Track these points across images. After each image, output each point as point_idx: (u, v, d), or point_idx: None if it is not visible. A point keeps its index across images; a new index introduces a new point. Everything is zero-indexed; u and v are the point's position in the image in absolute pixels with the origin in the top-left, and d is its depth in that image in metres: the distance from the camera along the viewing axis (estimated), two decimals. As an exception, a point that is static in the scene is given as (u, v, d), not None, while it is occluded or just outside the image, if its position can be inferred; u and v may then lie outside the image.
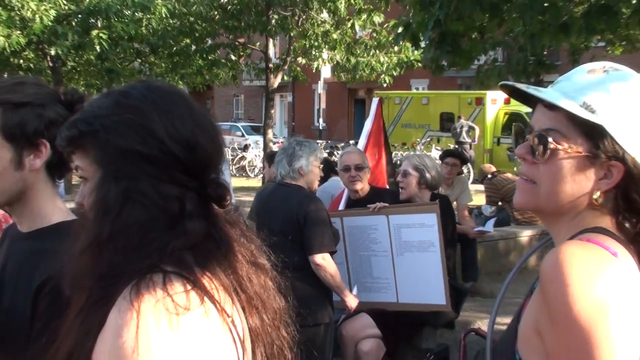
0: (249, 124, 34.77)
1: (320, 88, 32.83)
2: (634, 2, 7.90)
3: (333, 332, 4.82)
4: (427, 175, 5.66)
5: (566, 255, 1.30)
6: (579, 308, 1.25)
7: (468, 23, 8.18)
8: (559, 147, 1.39)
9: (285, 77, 21.24)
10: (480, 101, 23.33)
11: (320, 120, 35.30)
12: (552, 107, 1.41)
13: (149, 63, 19.28)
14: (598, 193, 1.40)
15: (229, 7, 18.12)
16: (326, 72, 25.16)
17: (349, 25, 17.68)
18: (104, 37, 15.18)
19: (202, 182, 1.38)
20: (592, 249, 1.33)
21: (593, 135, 1.38)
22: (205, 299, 1.25)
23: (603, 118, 1.37)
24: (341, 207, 5.74)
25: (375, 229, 5.31)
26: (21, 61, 17.14)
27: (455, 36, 8.37)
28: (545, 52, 10.75)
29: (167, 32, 17.44)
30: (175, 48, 18.43)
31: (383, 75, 18.63)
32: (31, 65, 17.70)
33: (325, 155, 12.23)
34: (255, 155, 23.57)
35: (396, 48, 17.74)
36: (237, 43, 19.46)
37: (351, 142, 24.70)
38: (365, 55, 18.35)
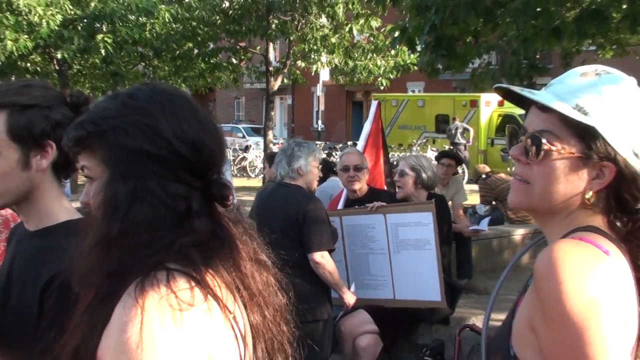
0: (249, 125, 34.77)
1: (319, 91, 32.92)
2: (624, 7, 7.90)
3: (332, 328, 4.81)
4: (424, 175, 5.66)
5: (559, 253, 1.30)
6: (572, 305, 1.25)
7: (463, 27, 8.17)
8: (553, 148, 1.39)
9: (285, 80, 21.24)
10: (474, 103, 23.33)
11: (319, 122, 35.37)
12: (545, 109, 1.41)
13: (152, 66, 19.28)
14: (590, 193, 1.40)
15: (231, 12, 18.13)
16: (325, 75, 25.25)
17: (347, 29, 17.68)
18: (109, 41, 15.18)
19: (206, 182, 1.38)
20: (585, 247, 1.33)
21: (585, 136, 1.38)
22: (208, 295, 1.25)
23: (595, 120, 1.37)
24: (340, 206, 5.74)
25: (373, 228, 5.31)
26: (28, 64, 17.14)
27: (450, 40, 8.37)
28: (537, 56, 10.74)
29: (170, 36, 17.44)
30: (178, 52, 18.45)
31: (380, 78, 18.63)
32: (38, 68, 17.70)
33: (324, 156, 12.21)
34: (255, 156, 23.58)
35: (393, 52, 17.74)
36: (238, 47, 19.47)
37: (349, 143, 24.72)
38: (363, 58, 18.36)
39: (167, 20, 16.39)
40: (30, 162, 1.81)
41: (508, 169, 16.88)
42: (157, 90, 1.40)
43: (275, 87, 19.40)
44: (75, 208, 1.94)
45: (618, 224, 1.42)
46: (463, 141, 21.71)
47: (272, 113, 20.54)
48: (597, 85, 1.40)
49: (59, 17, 14.66)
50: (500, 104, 22.62)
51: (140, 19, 16.46)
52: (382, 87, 19.00)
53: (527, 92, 1.44)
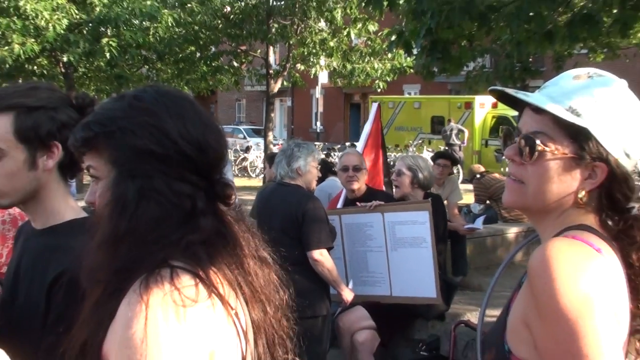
0: (250, 127, 34.76)
1: (317, 93, 32.89)
2: (614, 11, 7.91)
3: (330, 323, 4.81)
4: (420, 175, 5.66)
5: (553, 251, 1.30)
6: (565, 301, 1.25)
7: (458, 31, 8.17)
8: (546, 148, 1.39)
9: (285, 83, 21.25)
10: (469, 105, 23.35)
11: (318, 123, 35.35)
12: (539, 110, 1.41)
13: (156, 69, 19.28)
14: (583, 192, 1.40)
15: (232, 16, 18.14)
16: (323, 77, 25.21)
17: (345, 33, 17.69)
18: (114, 44, 15.18)
19: (210, 182, 1.38)
20: (577, 245, 1.33)
21: (578, 137, 1.38)
22: (211, 292, 1.25)
23: (588, 121, 1.37)
24: (339, 205, 5.73)
25: (371, 226, 5.31)
26: (35, 67, 17.13)
27: (445, 44, 8.37)
28: (530, 59, 10.77)
29: (173, 40, 17.44)
30: (180, 55, 18.45)
31: (377, 80, 18.65)
32: (44, 71, 17.69)
33: (323, 156, 12.22)
34: (256, 156, 23.58)
35: (390, 55, 17.77)
36: (239, 50, 19.47)
37: (347, 144, 24.75)
38: (361, 62, 18.37)
39: (170, 24, 16.39)
40: (37, 162, 1.81)
41: (502, 169, 16.88)
42: (161, 92, 1.40)
43: (275, 90, 19.40)
44: (80, 207, 1.94)
45: (610, 222, 1.42)
46: (458, 142, 21.71)
47: (272, 115, 20.51)
48: (589, 88, 1.40)
49: (65, 22, 14.67)
50: (494, 106, 22.64)
51: (144, 23, 16.46)
52: (379, 90, 19.02)
53: (521, 95, 1.44)
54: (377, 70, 18.24)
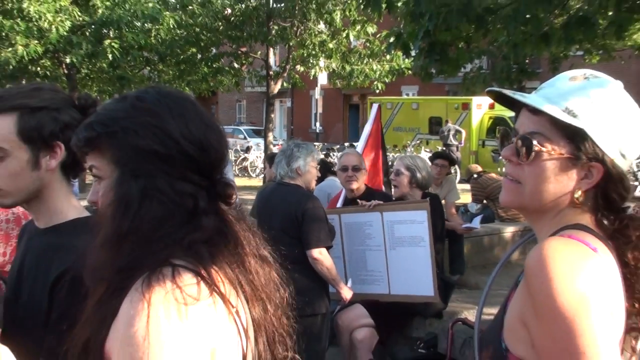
0: (250, 127, 34.76)
1: (317, 94, 32.86)
2: (610, 14, 7.91)
3: (329, 321, 4.81)
4: (418, 175, 5.66)
5: (549, 250, 1.29)
6: (562, 300, 1.25)
7: (455, 33, 8.17)
8: (543, 149, 1.39)
9: (285, 84, 21.24)
10: (466, 106, 23.33)
11: (317, 124, 35.32)
12: (536, 111, 1.41)
13: (157, 70, 19.28)
14: (579, 192, 1.40)
15: (232, 18, 18.15)
16: (323, 79, 25.23)
17: (344, 35, 17.71)
18: (116, 46, 15.17)
19: (211, 181, 1.38)
20: (574, 244, 1.32)
21: (575, 138, 1.38)
22: (213, 290, 1.25)
23: (584, 122, 1.37)
24: (339, 205, 5.73)
25: (370, 225, 5.30)
26: (38, 69, 17.11)
27: (443, 45, 8.37)
28: (527, 61, 10.74)
29: (174, 41, 17.45)
30: (182, 56, 18.47)
31: (376, 82, 18.67)
32: (48, 72, 17.67)
33: (322, 156, 12.21)
34: (256, 156, 23.58)
35: (388, 57, 17.77)
36: (239, 52, 19.48)
37: (346, 144, 24.74)
38: (359, 63, 18.37)
39: (171, 26, 16.40)
40: (40, 162, 1.81)
41: (498, 169, 16.89)
42: (163, 93, 1.40)
43: (275, 91, 19.41)
44: (83, 206, 1.94)
45: (605, 222, 1.42)
46: (455, 142, 21.70)
47: (272, 115, 20.52)
48: (585, 89, 1.40)
49: (67, 23, 14.67)
50: (491, 106, 22.64)
51: (145, 25, 16.47)
52: (377, 91, 19.03)
53: (518, 96, 1.44)
54: (375, 72, 18.25)
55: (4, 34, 14.59)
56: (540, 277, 1.27)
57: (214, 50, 19.35)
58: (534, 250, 1.32)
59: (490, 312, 1.61)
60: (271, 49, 19.65)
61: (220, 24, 18.10)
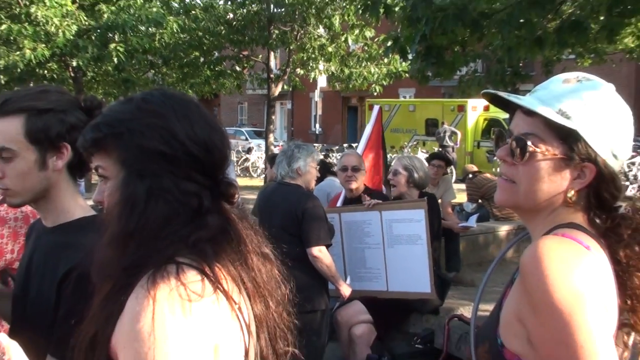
0: (252, 129, 34.74)
1: (316, 96, 32.88)
2: (601, 18, 7.92)
3: (329, 317, 4.81)
4: (415, 175, 5.66)
5: (544, 249, 1.30)
6: (558, 297, 1.25)
7: (451, 37, 8.18)
8: (537, 150, 1.39)
9: (285, 87, 21.24)
10: (462, 108, 23.33)
11: (317, 125, 35.35)
12: (530, 113, 1.41)
13: (161, 73, 19.27)
14: (572, 192, 1.40)
15: (234, 22, 18.16)
16: (322, 81, 25.17)
17: (343, 39, 17.72)
18: (121, 50, 15.16)
19: (215, 181, 1.38)
20: (568, 243, 1.32)
21: (568, 139, 1.38)
22: (216, 287, 1.25)
23: (577, 123, 1.37)
24: (339, 204, 5.74)
25: (369, 224, 5.30)
26: (45, 72, 17.10)
27: (439, 49, 8.38)
28: (521, 64, 10.76)
29: (178, 45, 17.45)
30: (185, 60, 18.46)
31: (374, 84, 18.67)
32: (54, 75, 17.66)
33: (322, 157, 12.22)
34: (257, 157, 23.59)
35: (386, 60, 17.78)
36: (241, 55, 19.47)
37: (345, 145, 24.73)
38: (358, 66, 18.39)
39: (175, 30, 16.38)
40: (47, 162, 1.81)
41: (493, 169, 16.88)
42: (168, 95, 1.40)
43: (276, 93, 19.41)
44: (89, 205, 1.94)
45: (598, 220, 1.42)
46: (451, 144, 21.69)
47: (273, 117, 20.51)
48: (578, 91, 1.40)
49: (74, 28, 14.66)
50: (486, 108, 22.63)
51: (150, 29, 16.45)
52: (375, 93, 19.04)
53: (513, 98, 1.44)
54: (373, 75, 18.27)
55: (12, 38, 14.57)
56: (536, 274, 1.27)
57: (217, 54, 19.34)
58: (529, 248, 1.32)
59: (486, 308, 1.61)
60: (272, 53, 19.66)
61: (222, 28, 18.11)
